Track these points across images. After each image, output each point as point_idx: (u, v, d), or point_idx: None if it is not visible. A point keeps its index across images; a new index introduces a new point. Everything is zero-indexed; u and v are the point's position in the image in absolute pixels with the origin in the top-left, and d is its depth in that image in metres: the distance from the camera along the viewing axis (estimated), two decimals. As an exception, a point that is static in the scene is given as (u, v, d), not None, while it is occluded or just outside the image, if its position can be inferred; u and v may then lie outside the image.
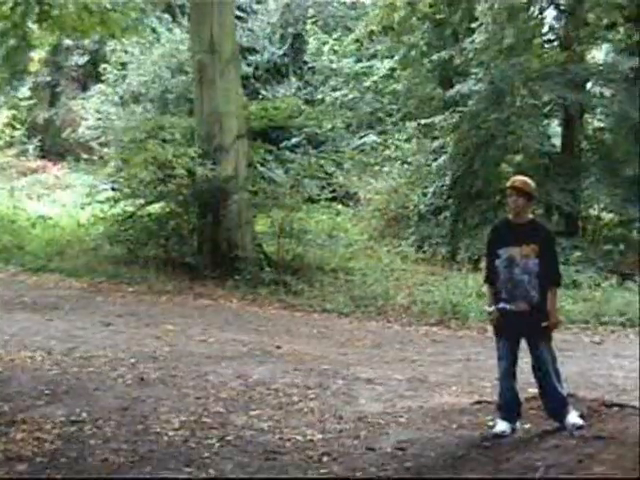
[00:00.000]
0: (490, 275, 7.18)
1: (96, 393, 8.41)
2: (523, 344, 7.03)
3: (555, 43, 21.24)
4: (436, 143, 21.92)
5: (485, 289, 7.49)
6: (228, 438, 7.08)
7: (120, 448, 6.75)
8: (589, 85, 20.53)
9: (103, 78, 30.28)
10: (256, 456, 6.67)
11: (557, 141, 21.21)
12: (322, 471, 6.33)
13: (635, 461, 5.65)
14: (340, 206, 21.96)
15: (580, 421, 6.84)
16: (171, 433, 7.18)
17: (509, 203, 7.12)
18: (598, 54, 22.94)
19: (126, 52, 29.25)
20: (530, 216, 7.16)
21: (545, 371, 6.91)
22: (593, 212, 20.78)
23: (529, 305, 6.92)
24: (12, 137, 30.34)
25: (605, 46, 22.21)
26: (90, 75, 33.10)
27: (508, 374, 7.03)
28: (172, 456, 6.60)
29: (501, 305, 7.03)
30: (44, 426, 7.22)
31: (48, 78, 33.67)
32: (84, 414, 7.61)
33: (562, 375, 7.07)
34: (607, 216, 20.76)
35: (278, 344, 11.36)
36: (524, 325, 6.93)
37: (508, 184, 7.16)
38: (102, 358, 9.97)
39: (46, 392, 8.30)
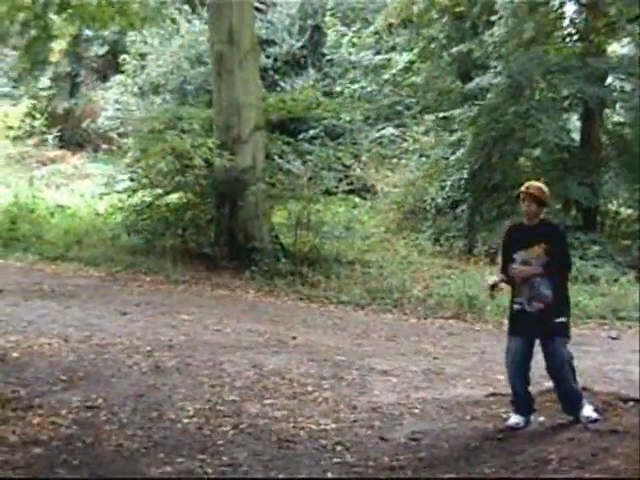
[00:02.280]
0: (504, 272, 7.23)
1: (112, 380, 8.46)
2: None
3: (575, 37, 21.11)
4: (454, 136, 21.86)
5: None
6: (242, 426, 7.11)
7: (135, 434, 6.80)
8: (609, 79, 20.41)
9: (123, 69, 30.34)
10: (270, 444, 6.70)
11: (576, 135, 21.10)
12: (335, 460, 6.35)
13: (649, 455, 5.65)
14: (357, 198, 21.93)
15: (595, 415, 6.84)
16: (185, 420, 7.22)
17: (522, 207, 7.14)
18: (618, 48, 22.79)
19: (145, 43, 29.29)
20: (541, 217, 7.16)
21: (558, 369, 6.90)
22: (612, 207, 20.68)
23: (544, 304, 6.92)
24: (32, 127, 30.42)
25: (625, 40, 22.05)
26: (110, 66, 33.13)
27: (519, 372, 7.02)
28: (186, 443, 6.64)
29: (517, 307, 7.05)
30: (60, 411, 7.27)
31: (68, 69, 33.68)
32: (100, 400, 7.66)
33: (578, 370, 7.06)
34: (626, 211, 20.67)
35: (294, 335, 11.39)
36: (539, 323, 6.93)
37: (522, 189, 7.15)
38: (118, 346, 10.02)
39: (62, 378, 8.36)
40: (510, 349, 7.08)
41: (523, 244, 7.05)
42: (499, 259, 15.33)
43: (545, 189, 7.17)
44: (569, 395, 6.95)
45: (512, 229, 7.45)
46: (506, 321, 7.52)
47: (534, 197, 7.05)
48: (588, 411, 6.87)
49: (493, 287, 7.25)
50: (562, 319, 6.98)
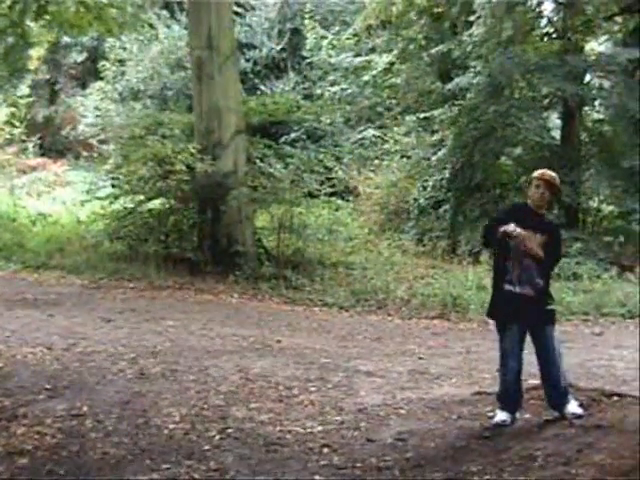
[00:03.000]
0: (488, 240, 7.32)
1: (97, 387, 8.42)
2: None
3: (553, 35, 21.20)
4: (435, 136, 21.93)
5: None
6: (229, 431, 7.09)
7: (121, 442, 6.77)
8: (588, 77, 20.51)
9: (102, 75, 30.29)
10: (257, 448, 6.68)
11: (556, 133, 21.21)
12: (322, 462, 6.35)
13: (634, 449, 5.66)
14: (340, 200, 21.92)
15: (580, 410, 6.86)
16: (172, 426, 7.20)
17: (534, 194, 7.04)
18: (596, 46, 22.90)
19: (124, 49, 29.27)
20: (543, 211, 7.15)
21: (551, 358, 6.91)
22: (593, 204, 20.76)
23: (534, 290, 6.92)
24: (11, 135, 30.27)
25: (603, 37, 22.17)
26: (89, 72, 33.11)
27: (515, 365, 7.00)
28: (173, 449, 6.62)
29: (508, 287, 7.02)
30: (45, 420, 7.23)
31: (47, 76, 33.65)
32: (85, 408, 7.63)
33: (563, 366, 7.08)
34: (607, 208, 20.77)
35: (279, 338, 11.38)
36: (529, 310, 6.92)
37: (537, 175, 7.10)
38: (103, 353, 9.99)
39: (47, 387, 8.31)
40: (505, 339, 7.05)
41: (525, 226, 6.91)
42: (483, 257, 15.34)
43: (558, 178, 7.14)
44: (557, 388, 6.95)
45: (516, 208, 7.39)
46: (491, 321, 7.52)
47: (549, 184, 7.03)
48: (573, 407, 6.89)
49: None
50: (551, 308, 7.01)
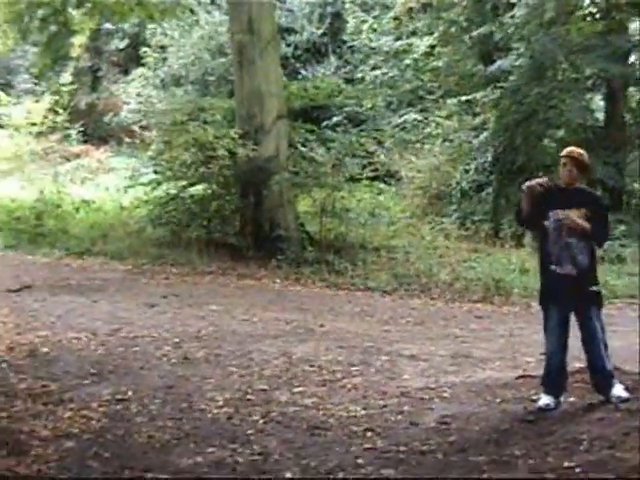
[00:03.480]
0: (523, 217, 7.18)
1: (141, 372, 8.50)
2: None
3: (597, 15, 20.94)
4: (477, 120, 21.78)
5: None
6: (272, 415, 7.12)
7: (165, 425, 6.83)
8: (632, 57, 20.26)
9: (143, 62, 30.41)
10: (300, 432, 6.70)
11: (600, 115, 20.99)
12: (366, 446, 6.34)
13: (680, 433, 5.62)
14: (382, 184, 21.83)
15: (625, 394, 6.79)
16: (215, 410, 7.24)
17: (562, 172, 7.00)
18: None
19: (166, 35, 29.35)
20: (578, 184, 7.07)
21: (596, 341, 6.84)
22: (637, 186, 20.55)
23: (577, 269, 6.85)
24: (55, 123, 30.46)
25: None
26: (131, 59, 33.22)
27: (559, 346, 6.95)
28: (216, 433, 6.65)
29: (552, 268, 6.96)
30: (91, 404, 7.32)
31: (89, 63, 33.82)
32: (130, 393, 7.70)
33: (608, 349, 7.01)
34: (651, 190, 20.55)
35: (321, 322, 11.40)
36: (573, 290, 6.86)
37: (564, 153, 7.05)
38: (147, 338, 10.07)
39: (92, 372, 8.41)
40: (548, 321, 7.01)
41: (560, 204, 6.88)
42: (526, 240, 15.14)
43: (586, 155, 7.06)
44: (602, 372, 6.89)
45: (549, 189, 7.35)
46: (534, 303, 7.47)
47: (577, 161, 6.95)
48: (619, 390, 6.82)
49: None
50: (596, 288, 6.93)
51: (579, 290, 6.85)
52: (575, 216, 6.85)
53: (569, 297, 6.88)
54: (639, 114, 20.93)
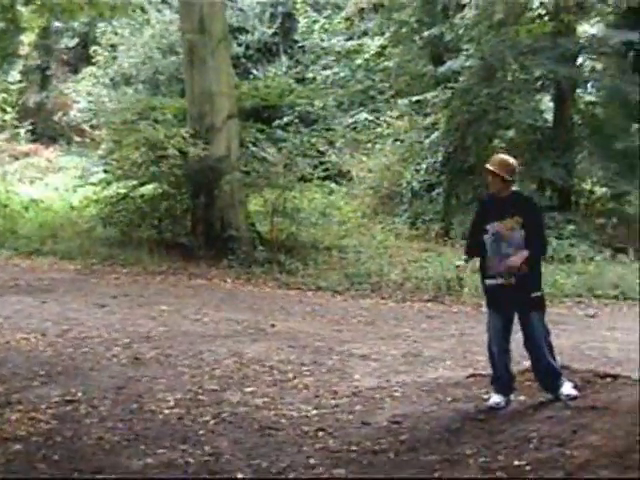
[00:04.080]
0: (471, 249, 7.21)
1: (91, 373, 8.42)
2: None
3: (546, 18, 21.13)
4: (428, 120, 21.87)
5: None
6: (223, 415, 7.10)
7: (115, 427, 6.77)
8: (580, 59, 20.49)
9: (94, 60, 30.12)
10: (251, 432, 6.69)
11: (549, 116, 21.19)
12: (317, 446, 6.35)
13: (628, 430, 5.67)
14: (333, 184, 21.89)
15: (574, 392, 6.86)
16: (166, 411, 7.20)
17: (489, 183, 7.13)
18: (588, 28, 22.84)
19: (116, 34, 29.11)
20: (512, 189, 7.14)
21: (537, 344, 6.92)
22: (586, 186, 20.79)
23: (516, 278, 6.92)
24: (3, 121, 30.15)
25: (595, 20, 22.11)
26: (80, 58, 32.91)
27: (501, 349, 7.03)
28: (167, 434, 6.61)
29: (490, 282, 7.04)
30: (39, 406, 7.23)
31: (38, 61, 33.47)
32: (79, 394, 7.63)
33: (556, 348, 7.08)
34: (600, 190, 20.77)
35: (272, 322, 11.39)
36: (514, 298, 6.93)
37: (486, 166, 7.14)
38: (97, 339, 9.99)
39: (41, 373, 8.32)
40: (490, 326, 7.09)
41: (495, 216, 6.99)
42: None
43: (508, 162, 7.08)
44: (546, 371, 6.96)
45: (484, 202, 7.44)
46: (484, 302, 7.53)
47: (490, 172, 7.03)
48: (568, 389, 6.89)
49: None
50: (538, 293, 7.00)
51: (520, 297, 6.91)
52: (507, 226, 6.93)
53: (511, 304, 6.96)
54: (587, 115, 21.15)
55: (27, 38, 29.33)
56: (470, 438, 6.27)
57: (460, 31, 20.56)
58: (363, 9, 24.43)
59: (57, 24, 29.86)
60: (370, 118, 24.64)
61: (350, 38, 26.68)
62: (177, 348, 9.59)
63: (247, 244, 16.27)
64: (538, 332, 6.91)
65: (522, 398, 7.09)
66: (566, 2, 19.65)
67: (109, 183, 17.93)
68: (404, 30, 23.25)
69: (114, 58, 29.48)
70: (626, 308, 13.35)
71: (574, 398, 6.77)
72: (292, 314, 12.32)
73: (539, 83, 20.95)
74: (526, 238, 6.91)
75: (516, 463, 5.59)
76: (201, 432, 6.67)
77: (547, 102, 22.09)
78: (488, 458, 5.76)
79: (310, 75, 26.24)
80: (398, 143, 23.13)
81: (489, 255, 7.02)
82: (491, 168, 7.03)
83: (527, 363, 7.47)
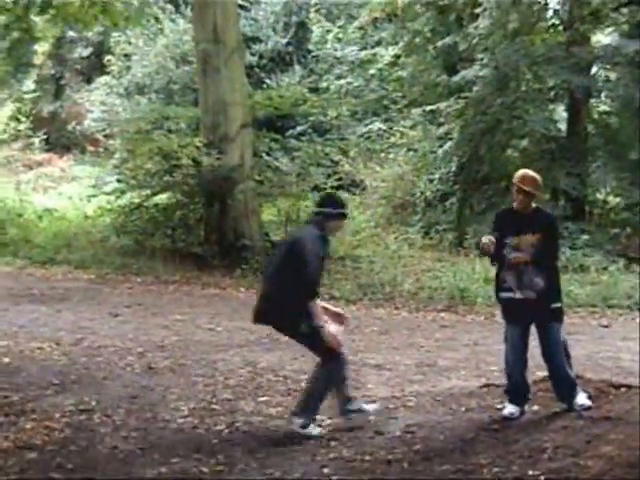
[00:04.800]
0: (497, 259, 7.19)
1: (105, 382, 8.45)
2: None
3: (560, 27, 21.12)
4: (442, 129, 21.84)
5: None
6: (237, 424, 7.10)
7: (129, 436, 6.78)
8: (594, 69, 20.45)
9: (107, 70, 30.20)
10: (265, 442, 6.69)
11: (563, 125, 21.14)
12: (331, 455, 6.34)
13: (643, 440, 5.66)
14: (346, 194, 21.89)
15: (588, 402, 6.85)
16: (180, 420, 7.21)
17: (515, 198, 7.12)
18: (603, 37, 22.82)
19: (130, 43, 29.16)
20: (534, 205, 7.14)
21: (556, 355, 6.92)
22: (600, 196, 20.73)
23: (535, 293, 6.92)
24: (17, 131, 30.33)
25: (609, 29, 22.09)
26: (94, 67, 33.01)
27: (517, 359, 7.02)
28: (181, 443, 6.62)
29: (507, 295, 7.04)
30: (53, 415, 7.25)
31: (52, 71, 33.58)
32: (93, 403, 7.65)
33: (570, 358, 7.07)
34: (613, 200, 20.71)
35: (286, 332, 11.36)
36: (532, 311, 6.93)
37: (515, 180, 7.11)
38: (110, 348, 10.01)
39: (55, 382, 8.34)
40: (507, 337, 7.08)
41: (515, 230, 7.00)
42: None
43: (535, 178, 7.10)
44: (564, 382, 6.96)
45: (503, 215, 7.41)
46: (498, 312, 7.53)
47: (523, 191, 7.02)
48: (582, 399, 6.88)
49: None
50: (557, 304, 6.99)
51: (539, 310, 6.91)
52: (528, 242, 6.94)
53: (529, 317, 6.96)
54: (601, 125, 21.11)
55: (41, 48, 29.49)
56: (484, 448, 6.26)
57: (474, 41, 20.54)
58: (377, 18, 24.45)
59: (71, 34, 29.94)
60: (384, 128, 24.63)
61: (364, 48, 26.68)
62: (191, 357, 9.61)
63: (260, 253, 16.28)
64: (556, 343, 6.91)
65: (536, 408, 7.08)
66: (580, 12, 19.65)
67: (123, 192, 17.99)
68: (418, 40, 23.26)
69: (128, 68, 29.53)
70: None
71: (588, 408, 6.77)
72: (305, 323, 12.30)
73: (553, 93, 20.90)
74: (544, 254, 6.92)
75: (530, 473, 5.58)
76: (215, 441, 6.67)
77: (561, 112, 22.05)
78: (502, 468, 5.75)
79: (324, 84, 26.25)
80: (411, 153, 23.12)
81: (507, 267, 7.02)
82: (526, 188, 7.02)
83: (540, 373, 7.46)
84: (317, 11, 27.56)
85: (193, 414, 7.38)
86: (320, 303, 6.90)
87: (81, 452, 6.41)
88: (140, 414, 7.37)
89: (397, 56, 24.64)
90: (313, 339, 6.83)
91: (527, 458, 5.89)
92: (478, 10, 20.31)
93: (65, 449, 6.45)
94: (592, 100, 21.13)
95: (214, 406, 7.65)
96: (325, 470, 6.02)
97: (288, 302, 6.74)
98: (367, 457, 6.26)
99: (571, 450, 5.84)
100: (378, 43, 26.42)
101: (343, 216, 7.22)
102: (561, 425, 6.50)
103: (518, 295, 6.98)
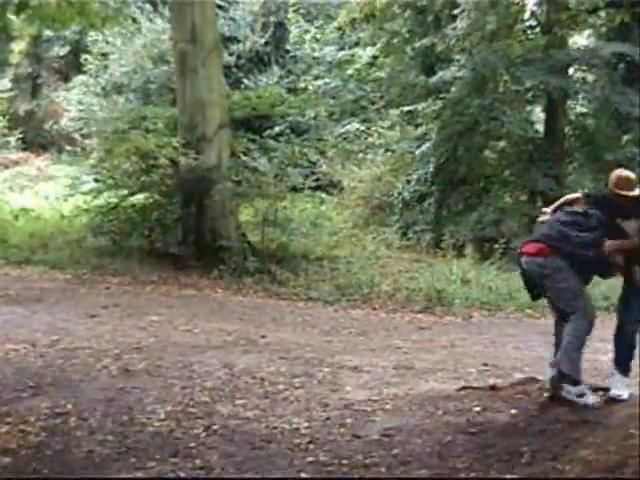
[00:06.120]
0: None
1: (81, 385, 8.37)
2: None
3: (537, 29, 21.23)
4: (419, 130, 21.93)
5: None
6: (214, 428, 7.06)
7: (106, 439, 6.72)
8: (571, 71, 20.56)
9: (85, 69, 30.10)
10: (242, 445, 6.65)
11: (540, 127, 21.25)
12: (308, 459, 6.31)
13: (620, 445, 5.66)
14: (324, 194, 21.94)
15: (625, 395, 7.07)
16: (157, 424, 7.15)
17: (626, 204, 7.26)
18: (580, 40, 22.94)
19: (107, 42, 29.06)
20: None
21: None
22: (577, 197, 20.80)
23: None
24: (-7, 129, 30.18)
25: (587, 32, 22.22)
26: (71, 66, 32.91)
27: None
28: (158, 447, 6.57)
29: None
30: (29, 419, 7.18)
31: (29, 69, 33.44)
32: (69, 406, 7.57)
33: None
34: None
35: (263, 333, 11.34)
36: None
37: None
38: (87, 350, 9.92)
39: (30, 384, 8.25)
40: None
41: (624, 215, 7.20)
42: (467, 250, 15.38)
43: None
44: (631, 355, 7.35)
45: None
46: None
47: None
48: (620, 389, 7.18)
49: None
50: None
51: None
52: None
53: None
54: (578, 126, 21.21)
55: (18, 46, 29.32)
56: (462, 452, 6.25)
57: (452, 42, 20.61)
58: (355, 19, 24.44)
59: (48, 32, 29.78)
60: (361, 128, 24.71)
61: (342, 48, 26.78)
62: (168, 359, 9.54)
63: (238, 254, 16.24)
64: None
65: (514, 412, 7.07)
66: (557, 14, 19.73)
67: (100, 192, 17.88)
68: (396, 40, 23.33)
69: (105, 67, 29.44)
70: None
71: (620, 400, 6.93)
72: (283, 325, 12.29)
73: (530, 94, 21.01)
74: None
75: (508, 477, 5.59)
76: (192, 445, 6.63)
77: (538, 113, 22.18)
78: (480, 473, 5.75)
79: (302, 85, 26.30)
80: (389, 153, 23.21)
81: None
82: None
83: (517, 375, 7.47)
84: (295, 11, 27.65)
85: (170, 417, 7.33)
86: None
87: (57, 456, 6.35)
88: (116, 417, 7.31)
89: (375, 57, 24.74)
90: None
91: (505, 462, 5.89)
92: (456, 11, 20.38)
93: (41, 453, 6.39)
94: (569, 102, 21.25)
95: (191, 409, 7.60)
96: (303, 474, 5.99)
97: None
98: (344, 461, 6.23)
99: (549, 454, 5.84)
100: (356, 44, 26.52)
101: None
102: (539, 429, 6.50)
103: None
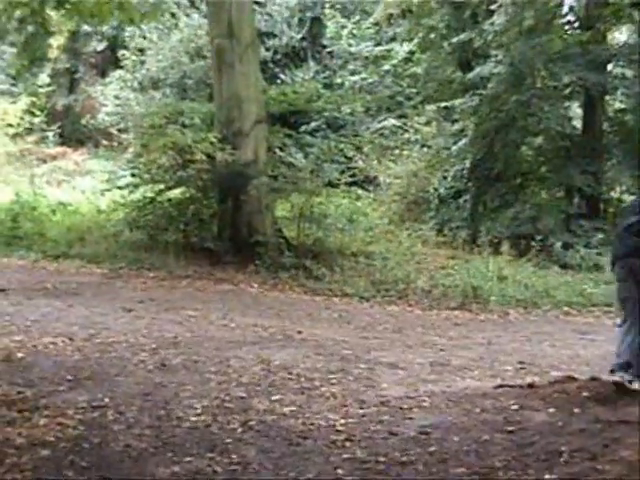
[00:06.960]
0: None
1: (118, 379, 8.40)
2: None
3: (575, 24, 21.05)
4: (456, 126, 21.84)
5: None
6: (250, 423, 7.05)
7: (142, 433, 6.74)
8: (610, 66, 20.36)
9: (122, 64, 30.27)
10: (279, 441, 6.64)
11: (578, 123, 21.08)
12: (345, 456, 6.29)
13: (661, 445, 5.61)
14: (360, 190, 21.84)
15: None
16: (193, 418, 7.16)
17: None
18: (619, 35, 22.72)
19: (144, 38, 29.20)
20: None
21: None
22: (614, 194, 20.66)
23: None
24: (31, 124, 30.37)
25: (626, 27, 21.99)
26: (109, 61, 33.11)
27: None
28: (194, 442, 6.57)
29: None
30: (67, 411, 7.21)
31: (67, 65, 33.70)
32: (106, 399, 7.60)
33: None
34: (629, 198, 20.60)
35: (299, 329, 11.34)
36: None
37: None
38: (123, 344, 9.97)
39: (68, 378, 8.30)
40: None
41: None
42: (504, 247, 15.32)
43: None
44: None
45: None
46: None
47: None
48: None
49: None
50: None
51: None
52: None
53: None
54: (616, 122, 21.02)
55: (56, 41, 29.48)
56: (500, 451, 6.21)
57: (489, 37, 20.50)
58: (392, 14, 24.43)
59: (86, 28, 29.97)
60: (398, 124, 24.64)
61: (378, 43, 26.69)
62: (204, 354, 9.56)
63: (274, 249, 16.25)
64: None
65: (552, 410, 7.01)
66: (598, 9, 19.55)
67: (136, 187, 17.96)
68: (432, 36, 23.21)
69: (142, 62, 29.59)
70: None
71: None
72: (319, 320, 12.29)
73: (568, 90, 20.83)
74: None
75: (546, 477, 5.53)
76: (228, 440, 6.63)
77: (576, 109, 21.99)
78: (518, 472, 5.70)
79: (338, 80, 26.26)
80: (425, 149, 23.13)
81: None
82: None
83: (554, 373, 7.41)
84: (332, 7, 27.58)
85: (206, 412, 7.33)
86: None
87: (94, 450, 6.37)
88: (153, 411, 7.33)
89: (412, 52, 24.65)
90: None
91: (543, 461, 5.83)
92: (493, 7, 20.30)
93: (78, 446, 6.41)
94: (607, 98, 21.05)
95: (227, 404, 7.60)
96: (339, 471, 5.97)
97: None
98: (381, 458, 6.21)
99: (588, 454, 5.78)
100: (393, 39, 26.43)
101: None
102: (578, 428, 6.43)
103: None
